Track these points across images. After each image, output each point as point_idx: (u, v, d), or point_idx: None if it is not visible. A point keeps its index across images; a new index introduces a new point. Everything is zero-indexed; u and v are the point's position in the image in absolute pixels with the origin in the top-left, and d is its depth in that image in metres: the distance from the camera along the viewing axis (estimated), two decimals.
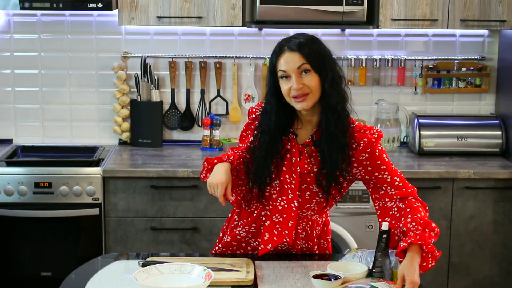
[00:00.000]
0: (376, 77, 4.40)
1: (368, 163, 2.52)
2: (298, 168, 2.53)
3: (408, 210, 2.43)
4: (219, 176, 2.48)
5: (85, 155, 4.14)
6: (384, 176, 2.52)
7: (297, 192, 2.54)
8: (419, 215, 2.39)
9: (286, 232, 2.56)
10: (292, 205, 2.55)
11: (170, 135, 4.45)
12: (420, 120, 4.24)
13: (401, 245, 2.32)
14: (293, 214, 2.55)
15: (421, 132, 4.20)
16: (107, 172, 3.81)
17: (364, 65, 4.36)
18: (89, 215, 3.82)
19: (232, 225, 2.73)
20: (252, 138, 2.61)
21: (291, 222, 2.56)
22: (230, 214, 2.78)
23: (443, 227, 3.89)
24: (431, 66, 4.39)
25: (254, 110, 2.67)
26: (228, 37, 4.37)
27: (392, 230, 2.43)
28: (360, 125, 2.55)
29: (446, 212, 3.90)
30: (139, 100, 4.33)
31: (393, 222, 2.46)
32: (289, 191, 2.54)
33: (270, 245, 2.57)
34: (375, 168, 2.52)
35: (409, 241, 2.30)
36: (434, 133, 4.22)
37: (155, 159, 4.03)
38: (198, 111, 4.41)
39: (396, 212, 2.47)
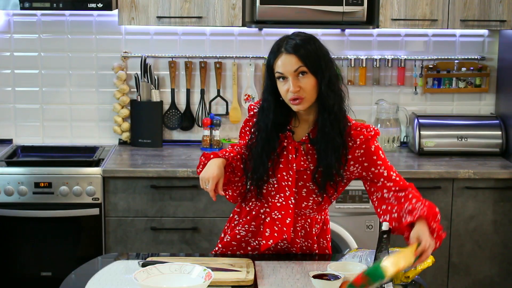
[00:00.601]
0: (376, 77, 4.39)
1: (364, 159, 2.52)
2: (294, 165, 2.54)
3: (409, 196, 2.45)
4: (211, 171, 2.49)
5: (85, 155, 4.14)
6: (381, 171, 2.52)
7: (293, 189, 2.55)
8: (422, 199, 2.41)
9: (285, 228, 2.57)
10: (290, 202, 2.55)
11: (170, 135, 4.45)
12: (420, 120, 4.24)
13: (408, 219, 2.33)
14: (290, 211, 2.56)
15: (421, 132, 4.20)
16: (107, 172, 3.81)
17: (364, 65, 4.36)
18: (89, 215, 3.82)
19: (233, 224, 2.74)
20: (250, 135, 2.62)
21: (288, 219, 2.56)
22: (231, 214, 2.78)
23: (443, 227, 3.89)
24: (431, 66, 4.39)
25: (253, 107, 2.67)
26: (228, 37, 4.36)
27: (396, 214, 2.43)
28: (357, 123, 2.56)
29: (446, 212, 3.90)
30: (139, 100, 4.33)
31: (389, 208, 2.45)
32: (286, 188, 2.55)
33: (271, 240, 2.58)
34: (371, 163, 2.52)
35: (416, 216, 2.31)
36: (434, 133, 4.22)
37: (155, 159, 4.03)
38: (198, 111, 4.41)
39: (394, 201, 2.47)
